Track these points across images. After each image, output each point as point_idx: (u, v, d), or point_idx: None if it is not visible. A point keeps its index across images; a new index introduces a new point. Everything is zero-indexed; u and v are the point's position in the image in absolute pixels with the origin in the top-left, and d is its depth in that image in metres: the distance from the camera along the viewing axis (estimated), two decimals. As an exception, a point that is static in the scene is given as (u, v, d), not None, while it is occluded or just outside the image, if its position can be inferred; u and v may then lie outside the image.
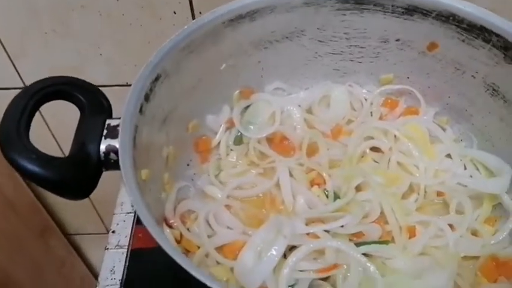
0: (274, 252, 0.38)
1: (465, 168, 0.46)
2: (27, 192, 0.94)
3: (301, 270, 0.39)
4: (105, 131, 0.36)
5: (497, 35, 0.40)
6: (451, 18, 0.42)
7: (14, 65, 0.71)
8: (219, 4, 0.45)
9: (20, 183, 0.91)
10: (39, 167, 0.33)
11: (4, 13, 0.63)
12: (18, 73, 0.72)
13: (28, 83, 0.73)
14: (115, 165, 0.35)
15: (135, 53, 0.68)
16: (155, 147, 0.42)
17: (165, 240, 0.31)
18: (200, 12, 0.62)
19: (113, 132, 0.36)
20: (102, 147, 0.36)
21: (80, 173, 0.34)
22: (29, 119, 0.35)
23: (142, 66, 0.40)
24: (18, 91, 0.38)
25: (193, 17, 0.63)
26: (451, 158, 0.47)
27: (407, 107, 0.51)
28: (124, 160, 0.33)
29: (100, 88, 0.77)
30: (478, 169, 0.46)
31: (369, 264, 0.37)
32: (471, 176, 0.45)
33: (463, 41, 0.43)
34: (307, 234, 0.41)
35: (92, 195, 1.03)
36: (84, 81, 0.38)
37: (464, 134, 0.49)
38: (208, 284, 0.30)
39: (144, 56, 0.41)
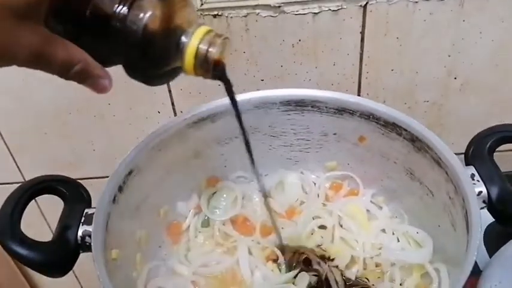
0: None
1: (398, 241, 0.53)
2: (22, 281, 0.99)
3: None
4: (83, 219, 0.44)
5: (405, 130, 0.50)
6: (371, 116, 0.52)
7: (15, 161, 0.80)
8: (196, 103, 0.54)
9: (15, 271, 0.96)
10: (26, 250, 0.41)
11: (8, 114, 0.74)
12: (19, 169, 0.81)
13: (27, 177, 0.82)
14: (90, 248, 0.43)
15: (125, 148, 0.77)
16: (128, 231, 0.49)
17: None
18: (181, 111, 0.72)
19: (89, 219, 0.44)
20: (80, 233, 0.43)
21: (60, 255, 0.42)
22: (22, 210, 0.43)
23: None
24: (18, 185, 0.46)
25: (175, 115, 0.73)
26: (385, 232, 0.54)
27: (350, 189, 0.59)
28: (95, 243, 0.41)
29: (94, 179, 0.85)
30: (409, 242, 0.52)
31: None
32: (403, 249, 0.52)
33: (383, 134, 0.52)
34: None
35: (80, 279, 1.07)
36: (68, 178, 0.47)
37: (397, 212, 0.56)
38: None
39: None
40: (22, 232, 0.41)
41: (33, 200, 0.78)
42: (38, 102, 0.71)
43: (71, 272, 0.96)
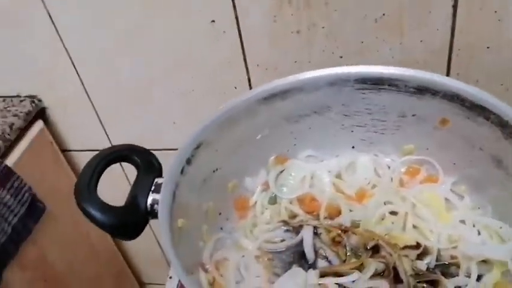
0: (285, 298, 0.44)
1: (479, 234, 0.48)
2: (109, 241, 1.07)
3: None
4: (153, 187, 0.46)
5: (494, 113, 0.45)
6: (455, 97, 0.48)
7: (105, 131, 0.86)
8: (272, 79, 0.53)
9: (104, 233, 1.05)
10: (101, 214, 0.43)
11: (101, 89, 0.79)
12: (108, 137, 0.87)
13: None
14: (158, 215, 0.44)
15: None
16: (195, 202, 0.50)
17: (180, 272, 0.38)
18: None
19: (159, 188, 0.46)
20: (149, 200, 0.45)
21: (130, 220, 0.44)
22: (98, 176, 0.46)
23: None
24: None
25: (251, 90, 0.73)
26: (465, 224, 0.49)
27: (428, 175, 0.55)
28: (162, 211, 0.42)
29: (174, 150, 0.89)
30: (491, 236, 0.48)
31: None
32: (483, 243, 0.47)
33: (468, 118, 0.47)
34: (319, 284, 0.46)
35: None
36: (140, 147, 0.49)
37: (480, 203, 0.51)
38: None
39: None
40: (98, 197, 0.44)
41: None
42: (125, 79, 0.76)
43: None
